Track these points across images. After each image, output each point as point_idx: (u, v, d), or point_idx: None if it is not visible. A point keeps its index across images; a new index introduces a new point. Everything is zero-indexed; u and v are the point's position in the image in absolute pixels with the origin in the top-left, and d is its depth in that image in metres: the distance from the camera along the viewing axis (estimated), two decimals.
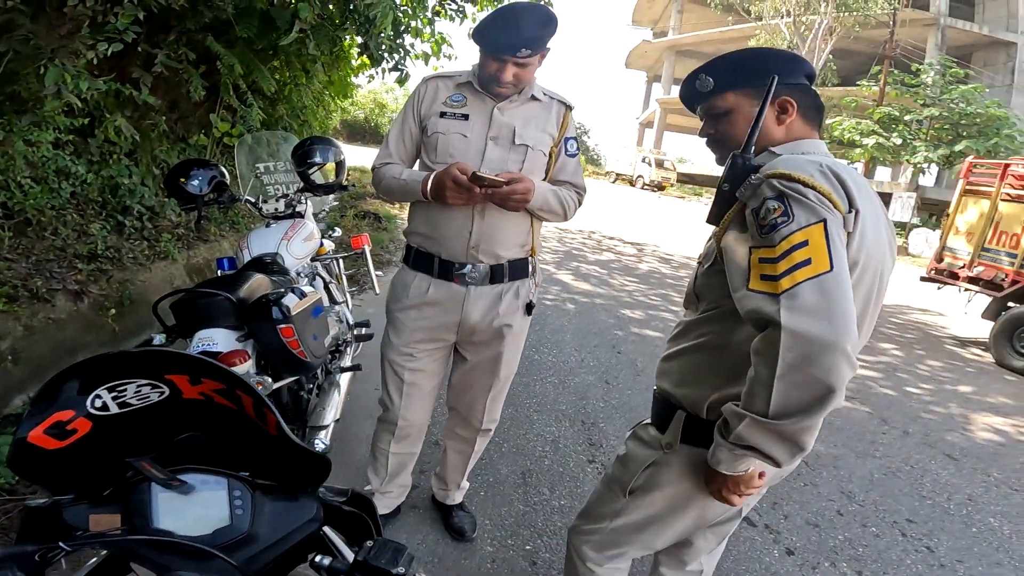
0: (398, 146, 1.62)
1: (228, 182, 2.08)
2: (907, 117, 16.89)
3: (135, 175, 3.48)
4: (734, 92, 1.08)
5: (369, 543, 0.69)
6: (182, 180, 1.94)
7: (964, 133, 16.10)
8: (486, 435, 1.90)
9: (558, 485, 2.39)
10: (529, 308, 1.67)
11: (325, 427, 1.92)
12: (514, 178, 1.44)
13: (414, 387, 1.72)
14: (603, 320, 4.79)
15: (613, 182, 28.48)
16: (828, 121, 18.20)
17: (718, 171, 1.08)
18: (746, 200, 0.94)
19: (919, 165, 16.80)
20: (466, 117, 1.53)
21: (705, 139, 1.15)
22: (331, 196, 2.52)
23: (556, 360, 3.70)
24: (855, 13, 17.93)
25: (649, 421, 1.20)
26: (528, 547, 2.01)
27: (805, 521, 2.37)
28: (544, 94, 1.61)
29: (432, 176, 1.48)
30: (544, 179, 1.62)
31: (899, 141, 16.64)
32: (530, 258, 1.65)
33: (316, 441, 1.87)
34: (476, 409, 1.80)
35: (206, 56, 3.81)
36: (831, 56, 18.95)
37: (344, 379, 2.18)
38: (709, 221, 1.04)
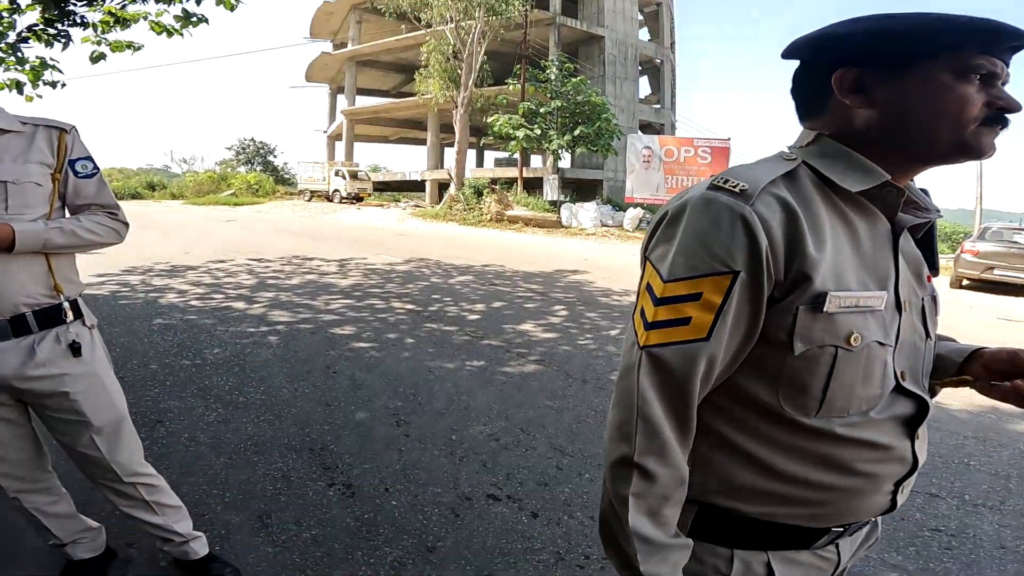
0: None
1: None
2: (542, 110, 20.49)
3: None
4: None
5: None
6: None
7: (579, 120, 20.44)
8: (148, 489, 1.77)
9: (304, 517, 2.31)
10: (74, 349, 1.54)
11: None
12: None
13: None
14: (311, 344, 4.80)
15: (309, 200, 27.44)
16: (488, 119, 21.01)
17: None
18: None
19: (555, 151, 20.75)
20: None
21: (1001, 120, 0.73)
22: None
23: (266, 397, 3.60)
24: (500, 16, 20.42)
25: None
26: None
27: (536, 483, 2.66)
28: (22, 123, 1.50)
29: None
30: (53, 210, 1.53)
31: (539, 132, 20.21)
32: (64, 300, 1.54)
33: None
34: (101, 465, 1.66)
35: None
36: (486, 58, 21.50)
37: None
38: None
